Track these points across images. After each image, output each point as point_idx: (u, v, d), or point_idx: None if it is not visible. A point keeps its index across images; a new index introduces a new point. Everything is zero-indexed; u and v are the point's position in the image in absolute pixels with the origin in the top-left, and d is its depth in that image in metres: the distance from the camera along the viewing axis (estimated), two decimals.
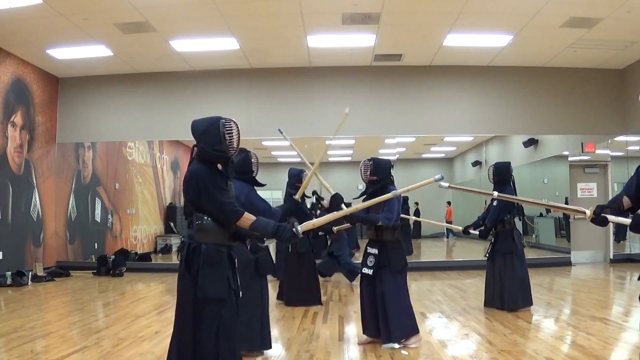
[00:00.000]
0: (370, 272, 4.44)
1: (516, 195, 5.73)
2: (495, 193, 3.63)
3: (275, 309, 6.21)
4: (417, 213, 15.12)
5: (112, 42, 8.35)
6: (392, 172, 4.69)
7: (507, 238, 5.87)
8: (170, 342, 2.91)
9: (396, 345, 4.31)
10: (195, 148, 2.96)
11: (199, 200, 2.86)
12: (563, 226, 13.82)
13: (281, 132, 4.95)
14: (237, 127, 2.96)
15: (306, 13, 7.40)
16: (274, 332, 5.02)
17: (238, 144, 2.99)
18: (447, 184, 3.26)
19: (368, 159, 4.63)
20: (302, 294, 6.37)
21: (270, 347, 4.24)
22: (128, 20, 7.46)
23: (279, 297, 6.68)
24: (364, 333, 4.58)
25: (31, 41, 8.17)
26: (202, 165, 2.90)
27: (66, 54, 8.77)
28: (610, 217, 2.88)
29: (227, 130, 2.93)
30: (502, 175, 5.91)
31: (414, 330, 4.43)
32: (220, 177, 2.93)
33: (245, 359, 3.72)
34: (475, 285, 8.11)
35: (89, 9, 7.07)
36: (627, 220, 2.84)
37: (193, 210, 2.90)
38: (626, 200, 2.91)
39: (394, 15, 7.55)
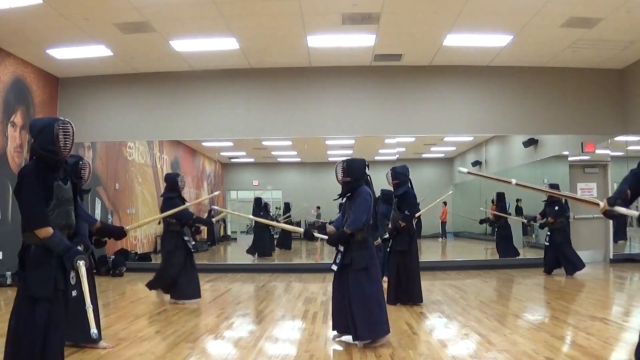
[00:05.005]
0: (335, 268, 4.59)
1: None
2: (514, 180, 3.50)
3: (276, 310, 6.21)
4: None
5: (112, 42, 8.35)
6: (368, 171, 4.71)
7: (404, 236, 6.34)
8: (6, 338, 2.99)
9: (360, 344, 4.40)
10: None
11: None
12: None
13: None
14: (73, 130, 3.01)
15: (306, 13, 7.40)
16: (274, 332, 5.03)
17: (71, 147, 3.04)
18: (465, 170, 3.33)
19: (341, 161, 4.69)
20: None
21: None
22: (128, 20, 7.46)
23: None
24: (333, 329, 4.69)
25: (31, 41, 8.17)
26: (32, 164, 2.98)
27: (66, 54, 8.77)
28: (621, 209, 2.92)
29: (63, 132, 2.97)
30: (400, 177, 6.35)
31: (379, 333, 4.43)
32: (44, 180, 2.97)
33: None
34: (475, 285, 8.12)
35: (89, 9, 7.07)
36: (635, 213, 2.89)
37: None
38: (628, 193, 3.00)
39: (394, 15, 7.55)
